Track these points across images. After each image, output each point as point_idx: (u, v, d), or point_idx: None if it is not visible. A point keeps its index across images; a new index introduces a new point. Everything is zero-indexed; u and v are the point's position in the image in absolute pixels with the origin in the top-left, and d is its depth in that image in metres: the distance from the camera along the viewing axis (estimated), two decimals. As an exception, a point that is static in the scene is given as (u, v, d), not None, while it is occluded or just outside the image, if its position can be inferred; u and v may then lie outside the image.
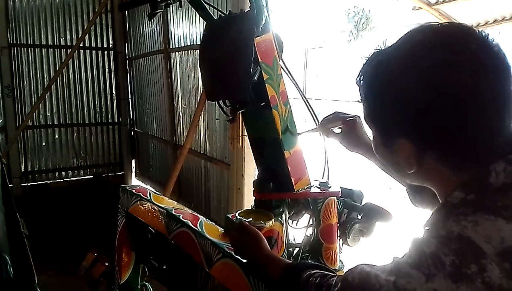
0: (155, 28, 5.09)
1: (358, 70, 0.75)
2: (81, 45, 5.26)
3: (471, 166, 0.66)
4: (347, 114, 1.22)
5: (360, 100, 0.76)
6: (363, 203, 1.39)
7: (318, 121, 1.36)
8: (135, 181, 6.20)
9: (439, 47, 0.64)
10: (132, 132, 6.24)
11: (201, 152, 4.34)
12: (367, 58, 0.73)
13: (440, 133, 0.65)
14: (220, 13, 1.28)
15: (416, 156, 0.69)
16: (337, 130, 1.24)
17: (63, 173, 5.74)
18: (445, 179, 0.69)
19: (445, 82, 0.62)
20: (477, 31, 0.65)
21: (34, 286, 1.17)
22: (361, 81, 0.74)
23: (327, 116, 1.24)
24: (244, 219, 1.22)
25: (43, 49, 5.31)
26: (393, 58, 0.68)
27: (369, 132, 1.01)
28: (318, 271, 0.84)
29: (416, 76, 0.64)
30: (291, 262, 0.97)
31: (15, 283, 1.13)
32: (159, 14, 1.29)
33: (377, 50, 0.72)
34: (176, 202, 1.69)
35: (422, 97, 0.63)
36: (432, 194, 0.76)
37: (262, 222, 1.21)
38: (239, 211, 1.31)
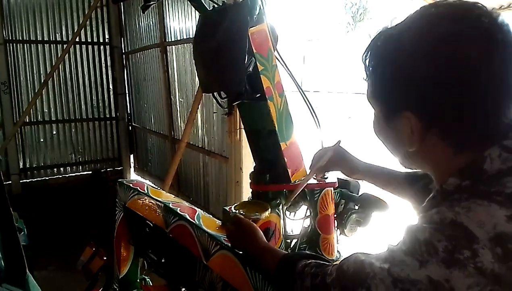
0: (151, 22, 5.07)
1: (365, 47, 0.74)
2: (77, 40, 5.23)
3: (470, 148, 0.66)
4: (327, 147, 1.23)
5: (365, 78, 0.75)
6: (359, 193, 1.39)
7: (316, 115, 1.36)
8: (134, 176, 6.20)
9: (450, 19, 0.63)
10: (130, 127, 6.23)
11: (199, 146, 4.34)
12: (375, 35, 0.72)
13: (446, 107, 0.64)
14: (214, 4, 1.27)
15: (420, 131, 0.68)
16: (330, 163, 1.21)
17: (61, 169, 5.75)
18: (443, 160, 0.69)
19: (454, 54, 0.61)
20: (489, 9, 0.64)
21: (25, 278, 1.17)
22: (368, 57, 0.73)
23: (314, 157, 1.24)
24: (239, 212, 1.22)
25: (39, 45, 5.29)
26: (403, 31, 0.67)
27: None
28: (313, 260, 0.84)
29: (425, 47, 0.63)
30: (286, 252, 0.97)
31: (6, 275, 1.13)
32: (155, 7, 1.28)
33: (386, 27, 0.71)
34: (173, 196, 1.69)
35: (431, 68, 0.63)
36: None
37: (257, 213, 1.21)
38: (236, 204, 1.30)
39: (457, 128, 0.66)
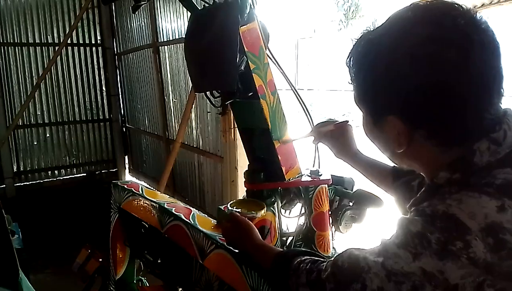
0: (143, 22, 5.04)
1: (348, 51, 0.75)
2: (69, 42, 5.19)
3: (458, 144, 0.67)
4: (336, 119, 1.24)
5: (350, 82, 0.76)
6: (354, 190, 1.40)
7: (309, 113, 1.37)
8: (128, 177, 6.17)
9: (427, 22, 0.64)
10: (124, 128, 6.21)
11: (194, 146, 4.33)
12: (356, 39, 0.74)
13: (429, 109, 0.64)
14: (205, 3, 1.27)
15: (406, 133, 0.68)
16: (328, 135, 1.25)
17: (56, 171, 5.70)
18: (432, 158, 0.70)
19: (433, 57, 0.62)
20: (465, 8, 0.65)
21: (17, 281, 1.17)
22: (351, 62, 0.74)
23: (320, 122, 1.26)
24: (235, 210, 1.22)
25: (30, 47, 5.24)
26: (383, 36, 0.68)
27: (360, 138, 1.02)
28: (308, 257, 0.85)
29: (404, 52, 0.64)
30: (281, 250, 0.97)
31: None
32: (146, 7, 1.28)
33: (366, 31, 0.73)
34: (168, 196, 1.69)
35: (411, 73, 0.63)
36: None
37: (253, 212, 1.21)
38: (231, 202, 1.31)
39: (441, 129, 0.66)
